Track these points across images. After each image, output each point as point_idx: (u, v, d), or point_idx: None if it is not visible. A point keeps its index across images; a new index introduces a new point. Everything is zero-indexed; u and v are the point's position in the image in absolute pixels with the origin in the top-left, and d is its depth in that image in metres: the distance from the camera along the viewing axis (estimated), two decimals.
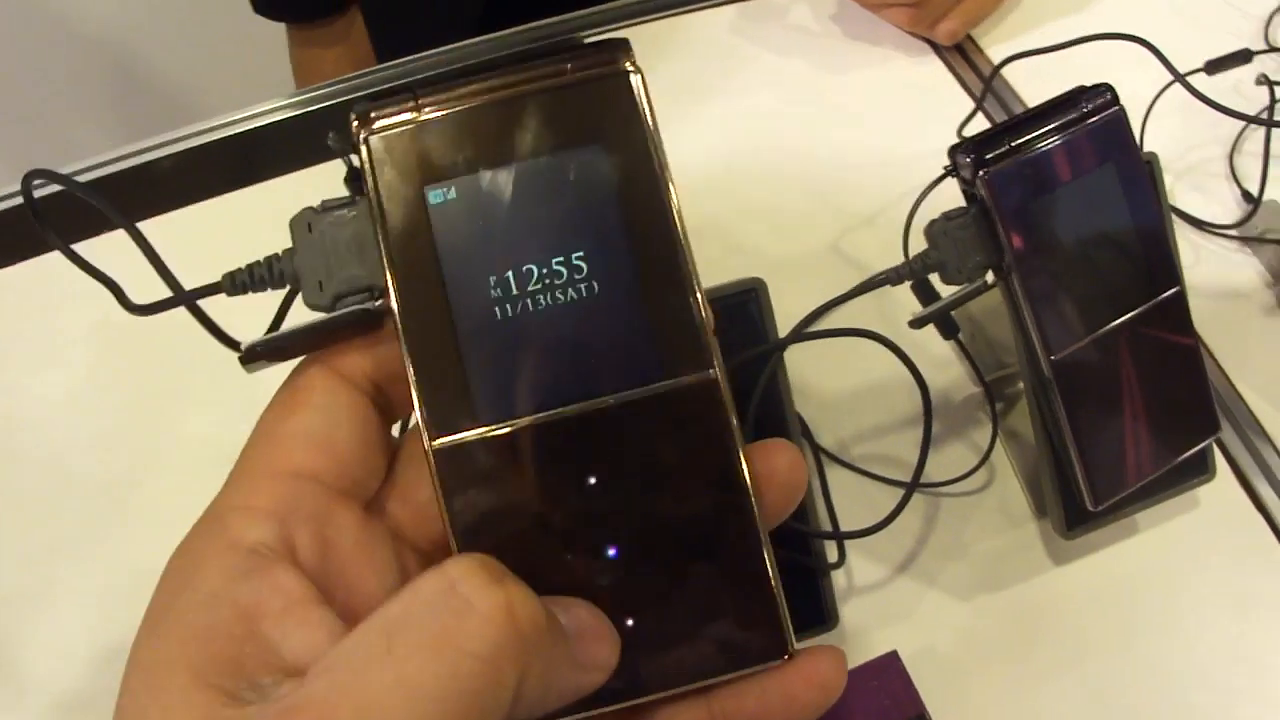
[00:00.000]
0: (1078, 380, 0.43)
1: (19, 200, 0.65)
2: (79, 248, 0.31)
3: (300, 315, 0.30)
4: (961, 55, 0.73)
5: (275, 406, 0.28)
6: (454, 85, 0.29)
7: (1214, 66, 0.62)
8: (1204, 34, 0.72)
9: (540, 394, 0.28)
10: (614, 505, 0.28)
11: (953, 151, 0.42)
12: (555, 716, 0.27)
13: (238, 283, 0.30)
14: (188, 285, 0.31)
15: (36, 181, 0.32)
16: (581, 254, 0.28)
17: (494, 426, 0.28)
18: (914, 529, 0.52)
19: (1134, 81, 0.53)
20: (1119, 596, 0.50)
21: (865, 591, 0.51)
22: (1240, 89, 0.65)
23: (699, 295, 0.28)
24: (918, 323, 0.44)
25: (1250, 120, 0.63)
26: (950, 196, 0.44)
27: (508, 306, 0.28)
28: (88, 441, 0.56)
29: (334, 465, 0.27)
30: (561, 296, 0.28)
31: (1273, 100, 0.64)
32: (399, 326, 0.28)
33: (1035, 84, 0.68)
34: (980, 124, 0.66)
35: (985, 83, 0.68)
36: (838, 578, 0.50)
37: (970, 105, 0.67)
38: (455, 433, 0.28)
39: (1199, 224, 0.62)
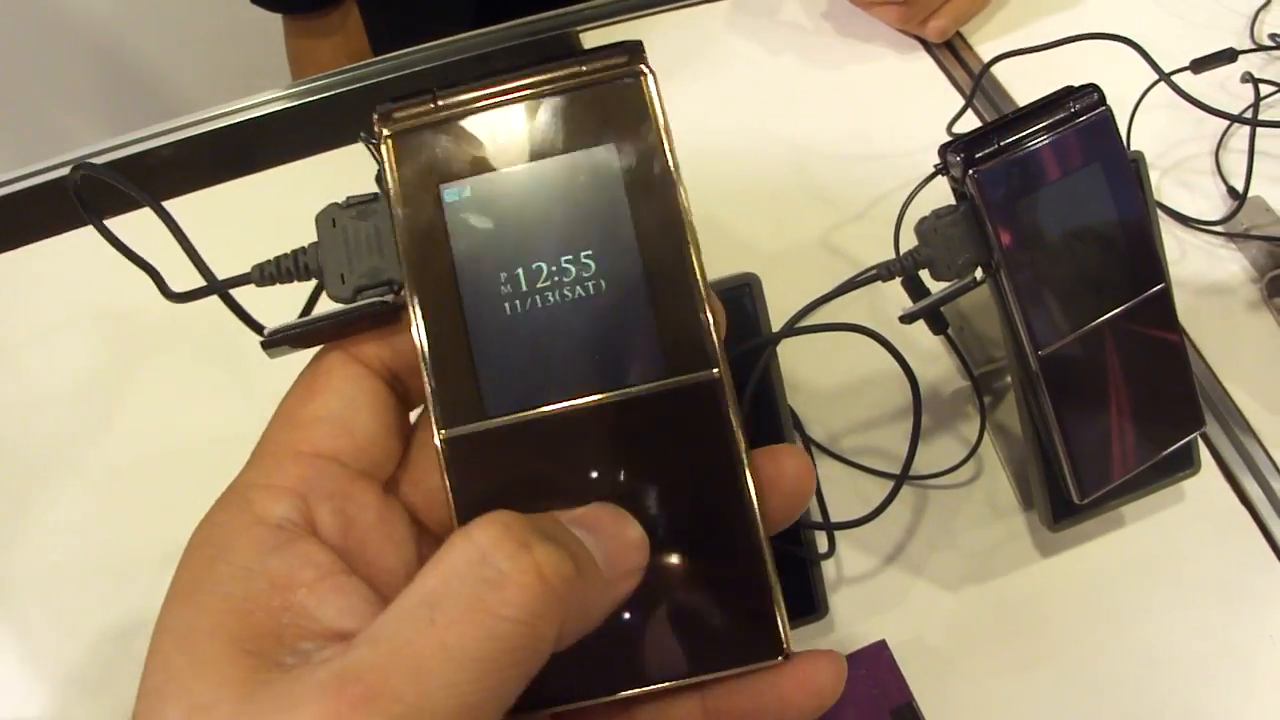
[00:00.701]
0: (1064, 375, 0.44)
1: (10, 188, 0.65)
2: (77, 236, 0.32)
3: (324, 307, 0.31)
4: (951, 53, 0.73)
5: (296, 391, 0.29)
6: (471, 86, 0.29)
7: (1199, 65, 0.62)
8: (1191, 32, 0.72)
9: (547, 389, 0.29)
10: (616, 500, 0.28)
11: (943, 151, 0.43)
12: (556, 702, 0.28)
13: (266, 274, 0.31)
14: (189, 276, 0.32)
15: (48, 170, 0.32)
16: (591, 253, 0.29)
17: (501, 419, 0.28)
18: (903, 520, 0.53)
19: (1121, 80, 0.54)
20: (1104, 588, 0.51)
21: (854, 581, 0.51)
22: (1226, 87, 0.66)
23: (706, 296, 0.29)
24: (908, 318, 0.45)
25: (1235, 119, 0.63)
26: (940, 193, 0.45)
27: (517, 303, 0.29)
28: (95, 427, 0.57)
29: (353, 447, 0.28)
30: (570, 294, 0.29)
31: (1257, 98, 0.65)
32: (413, 320, 0.29)
33: (1024, 82, 0.69)
34: (969, 121, 0.67)
35: (975, 80, 0.68)
36: (828, 568, 0.51)
37: (960, 102, 0.67)
38: (463, 425, 0.28)
39: (1185, 220, 0.63)
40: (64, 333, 0.60)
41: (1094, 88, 0.44)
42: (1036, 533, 0.52)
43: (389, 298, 0.30)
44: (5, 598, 0.52)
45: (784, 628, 0.29)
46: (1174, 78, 0.60)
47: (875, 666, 0.47)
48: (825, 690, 0.28)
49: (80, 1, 1.47)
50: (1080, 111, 0.43)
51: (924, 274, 0.45)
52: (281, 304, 0.34)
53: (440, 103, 0.29)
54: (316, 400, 0.29)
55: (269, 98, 0.72)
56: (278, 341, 0.30)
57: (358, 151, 0.32)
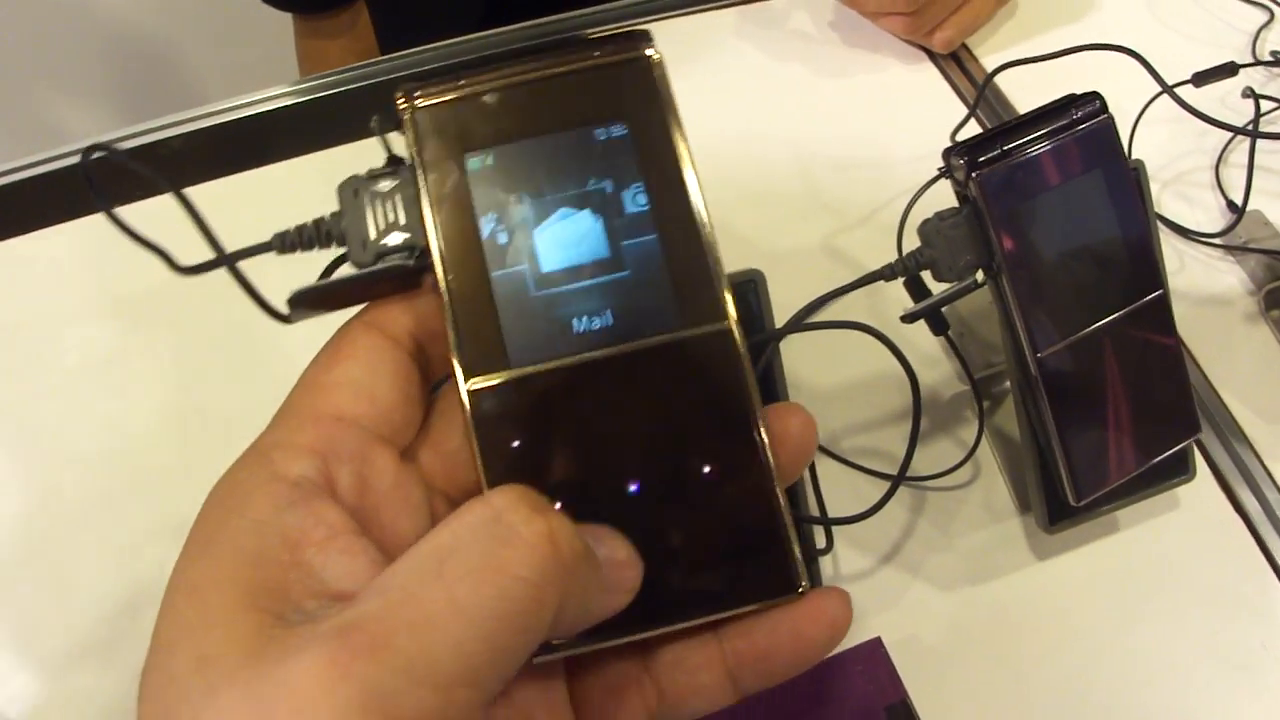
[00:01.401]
0: (1063, 379, 0.44)
1: (22, 174, 0.66)
2: (92, 221, 0.32)
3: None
4: (956, 63, 0.74)
5: (320, 359, 0.30)
6: (491, 68, 0.31)
7: (1201, 79, 0.63)
8: (1193, 47, 0.73)
9: (566, 341, 0.30)
10: (634, 445, 0.30)
11: (946, 154, 0.43)
12: (576, 645, 0.28)
13: (287, 242, 0.32)
14: (190, 264, 0.32)
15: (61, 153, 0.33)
16: (606, 214, 0.31)
17: (524, 370, 0.30)
18: (900, 521, 0.53)
19: (1123, 91, 0.54)
20: (1098, 591, 0.51)
21: (851, 580, 0.52)
22: (1227, 101, 0.67)
23: (715, 252, 0.31)
24: (909, 317, 0.46)
25: (1236, 131, 0.64)
26: (943, 198, 0.45)
27: (538, 261, 0.30)
28: (103, 412, 0.57)
29: (374, 412, 0.29)
30: (587, 252, 0.31)
31: (1258, 113, 0.65)
32: (438, 278, 0.30)
33: (1027, 92, 0.70)
34: (973, 130, 0.67)
35: (979, 90, 0.69)
36: (825, 564, 0.52)
37: (964, 111, 0.68)
38: (488, 375, 0.30)
39: (1184, 232, 0.63)
40: (72, 316, 0.60)
41: (1096, 96, 0.44)
42: (1032, 535, 0.53)
43: (410, 261, 0.30)
44: (20, 572, 0.52)
45: (799, 565, 0.30)
46: (1176, 91, 0.60)
47: (871, 662, 0.47)
48: (838, 621, 0.29)
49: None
50: (1082, 119, 0.44)
51: (926, 276, 0.45)
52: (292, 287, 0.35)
53: (462, 81, 0.31)
54: (339, 366, 0.29)
55: (278, 92, 0.73)
56: (301, 302, 0.30)
57: (365, 147, 0.33)
